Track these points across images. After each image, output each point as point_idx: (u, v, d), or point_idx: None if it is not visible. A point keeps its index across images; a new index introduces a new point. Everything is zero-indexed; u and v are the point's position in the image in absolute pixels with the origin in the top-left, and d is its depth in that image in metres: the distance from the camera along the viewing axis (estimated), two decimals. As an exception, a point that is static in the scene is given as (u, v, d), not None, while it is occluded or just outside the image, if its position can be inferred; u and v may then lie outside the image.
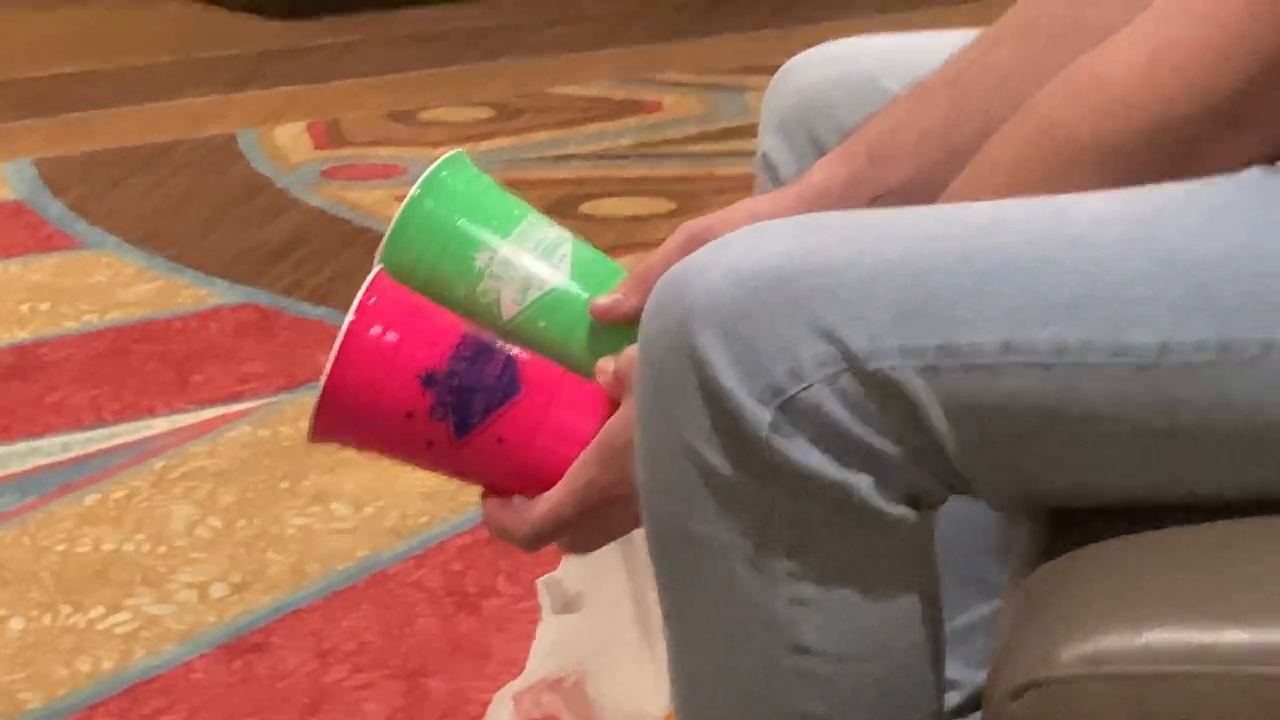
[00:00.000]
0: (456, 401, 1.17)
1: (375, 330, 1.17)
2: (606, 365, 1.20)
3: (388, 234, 1.24)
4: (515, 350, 1.20)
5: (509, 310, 1.22)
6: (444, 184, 1.27)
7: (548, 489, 1.17)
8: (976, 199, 1.11)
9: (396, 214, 1.25)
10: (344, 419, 1.18)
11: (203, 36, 4.27)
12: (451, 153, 1.27)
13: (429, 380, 1.16)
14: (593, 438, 1.17)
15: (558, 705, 1.49)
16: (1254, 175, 1.05)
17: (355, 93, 3.83)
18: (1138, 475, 1.04)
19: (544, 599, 1.49)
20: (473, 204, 1.28)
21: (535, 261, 1.25)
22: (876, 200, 1.27)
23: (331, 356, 1.15)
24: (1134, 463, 1.03)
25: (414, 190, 1.25)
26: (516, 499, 1.18)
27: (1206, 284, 1.01)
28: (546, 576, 1.48)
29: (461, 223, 1.26)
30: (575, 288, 1.24)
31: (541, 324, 1.23)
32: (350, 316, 1.14)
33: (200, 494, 2.13)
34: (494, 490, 1.20)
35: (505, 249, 1.25)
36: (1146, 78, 1.07)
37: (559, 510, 1.16)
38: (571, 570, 1.48)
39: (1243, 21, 1.04)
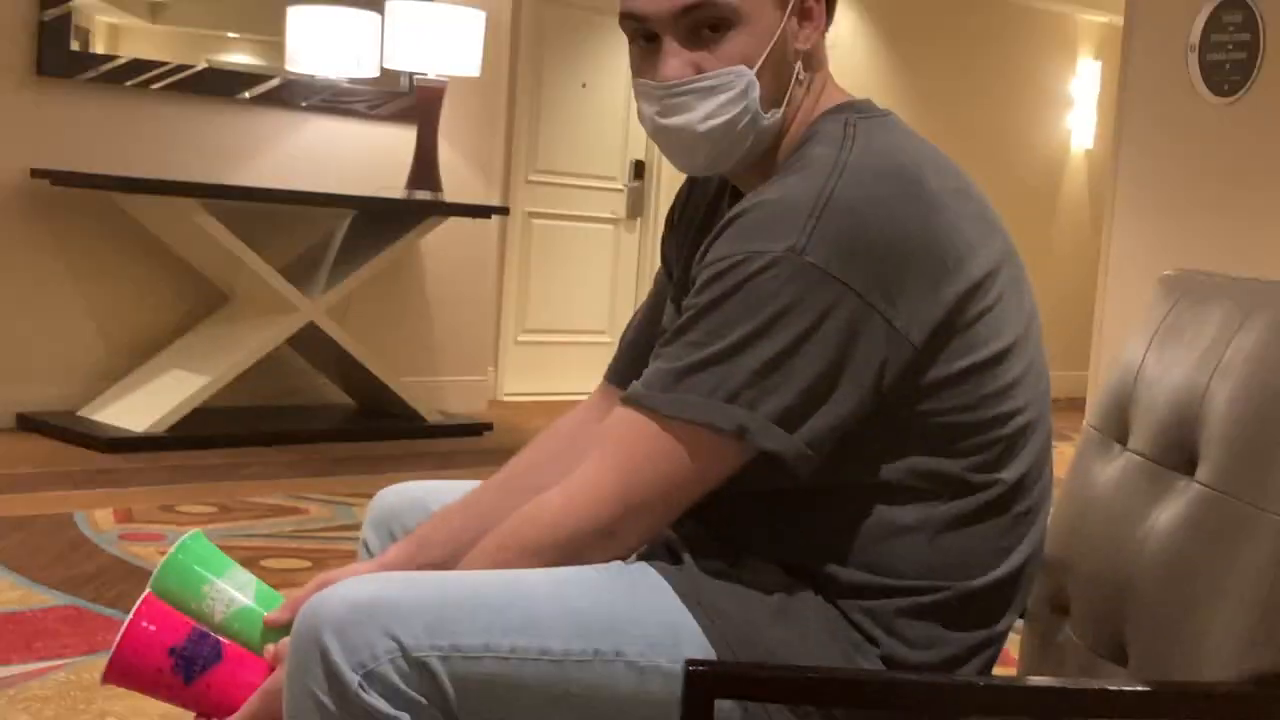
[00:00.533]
0: (185, 664, 1.46)
1: (144, 624, 1.47)
2: (270, 649, 1.47)
3: (155, 572, 1.53)
4: (223, 639, 1.50)
5: (219, 616, 1.52)
6: (188, 548, 1.57)
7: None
8: (477, 567, 1.40)
9: (161, 562, 1.53)
10: (124, 673, 1.48)
11: (59, 459, 5.10)
12: (193, 532, 1.58)
13: (172, 651, 1.46)
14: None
15: None
16: (615, 565, 1.40)
17: (142, 496, 4.50)
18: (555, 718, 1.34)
19: None
20: (203, 559, 1.56)
21: (234, 591, 1.54)
22: (423, 567, 1.53)
23: (118, 636, 1.45)
24: (550, 715, 1.34)
25: (172, 549, 1.55)
26: None
27: (587, 621, 1.34)
28: None
29: (197, 568, 1.54)
30: (255, 606, 1.53)
31: (236, 625, 1.51)
32: (130, 615, 1.45)
33: (33, 709, 2.68)
34: (207, 715, 1.48)
35: (218, 584, 1.54)
36: (561, 513, 1.38)
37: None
38: None
39: (612, 485, 1.36)
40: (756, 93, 1.43)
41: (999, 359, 1.40)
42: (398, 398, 5.96)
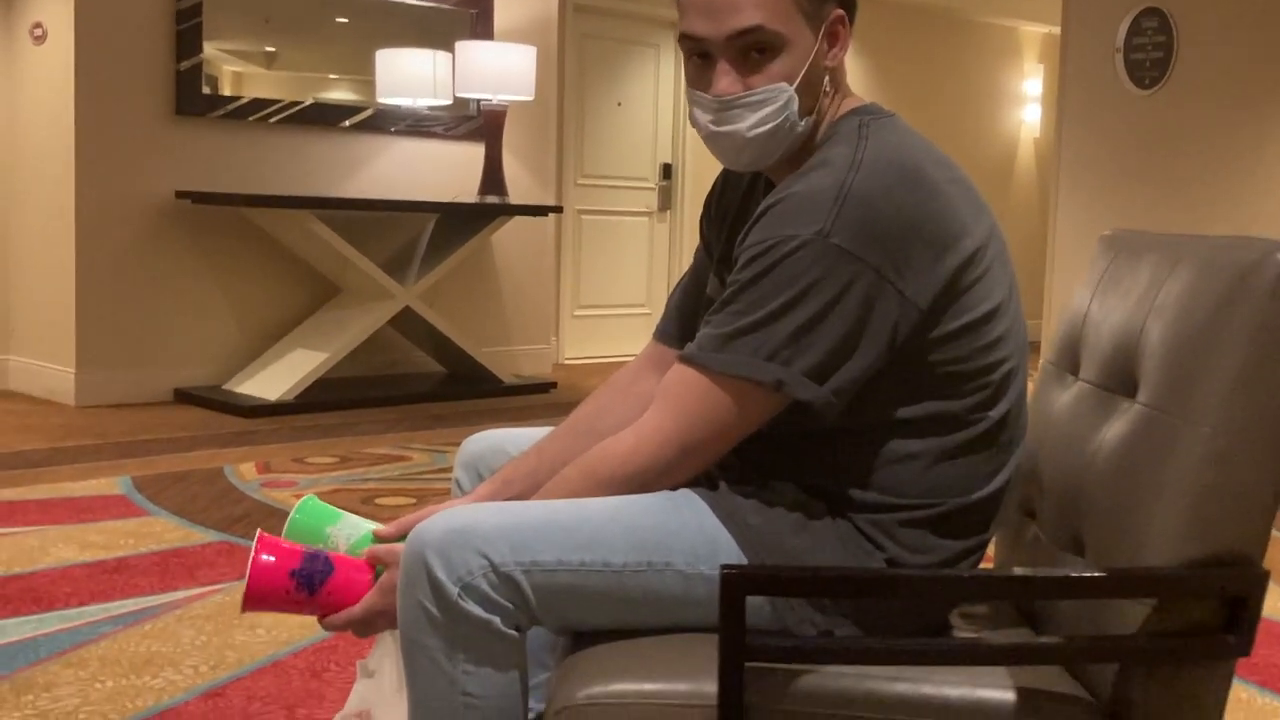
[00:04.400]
0: (306, 581, 1.46)
1: (264, 557, 1.47)
2: (366, 550, 1.50)
3: (286, 526, 1.55)
4: (332, 554, 1.50)
5: (343, 548, 1.55)
6: (306, 508, 1.58)
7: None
8: (556, 494, 1.40)
9: (289, 517, 1.55)
10: (258, 600, 1.47)
11: (210, 425, 5.07)
12: (307, 496, 1.58)
13: (292, 574, 1.46)
14: (369, 589, 1.46)
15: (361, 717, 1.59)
16: (664, 492, 1.40)
17: (278, 451, 4.52)
18: (616, 620, 1.36)
19: (359, 671, 1.61)
20: (318, 514, 1.58)
21: (349, 530, 1.56)
22: (507, 500, 1.52)
23: (245, 573, 1.46)
24: (614, 615, 1.36)
25: (293, 513, 1.57)
26: (341, 613, 1.47)
27: (642, 538, 1.35)
28: (360, 660, 1.62)
29: (314, 523, 1.57)
30: (369, 534, 1.56)
31: (358, 551, 1.53)
32: (251, 555, 1.46)
33: (197, 624, 2.75)
34: (331, 614, 1.48)
35: (333, 528, 1.56)
36: (631, 452, 1.38)
37: (354, 613, 1.46)
38: (372, 657, 1.59)
39: (672, 430, 1.36)
40: (795, 105, 1.42)
41: (988, 318, 1.39)
42: (479, 364, 5.96)
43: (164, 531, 3.48)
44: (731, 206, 1.61)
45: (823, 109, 1.46)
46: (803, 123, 1.44)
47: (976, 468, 1.41)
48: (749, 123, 1.41)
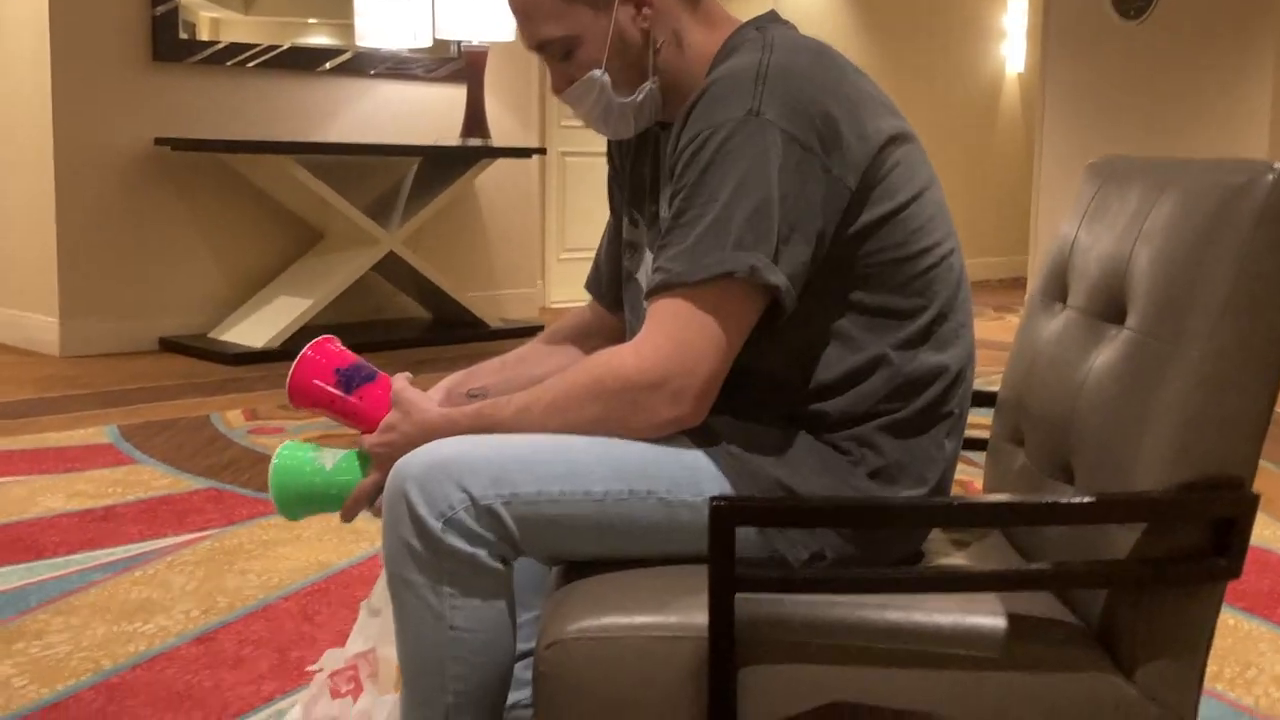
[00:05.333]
0: (346, 380, 1.51)
1: (312, 356, 1.53)
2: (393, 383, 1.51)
3: (270, 474, 1.52)
4: (375, 370, 1.53)
5: (330, 467, 1.52)
6: (285, 453, 1.54)
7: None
8: (548, 397, 1.37)
9: (271, 469, 1.52)
10: (301, 393, 1.52)
11: (196, 373, 5.08)
12: (285, 443, 1.55)
13: (336, 371, 1.51)
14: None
15: (362, 665, 1.61)
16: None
17: (264, 398, 4.51)
18: (601, 549, 1.36)
19: (362, 610, 1.63)
20: (301, 448, 1.54)
21: (333, 453, 1.53)
22: (470, 393, 1.58)
23: (295, 361, 1.52)
24: (598, 544, 1.36)
25: (274, 460, 1.53)
26: (366, 437, 1.48)
27: (623, 467, 1.34)
28: (364, 600, 1.64)
29: (299, 455, 1.53)
30: (352, 452, 1.53)
31: (344, 464, 1.51)
32: (306, 349, 1.52)
33: (187, 570, 2.75)
34: (365, 428, 1.51)
35: (317, 453, 1.53)
36: (637, 371, 1.33)
37: (371, 435, 1.47)
38: (375, 595, 1.60)
39: (672, 348, 1.32)
40: (609, 84, 1.46)
41: (914, 200, 1.39)
42: (465, 309, 5.95)
43: (152, 479, 3.48)
44: (629, 149, 1.61)
45: (668, 59, 1.47)
46: (643, 89, 1.47)
47: (934, 357, 1.41)
48: (584, 108, 1.48)
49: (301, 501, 1.49)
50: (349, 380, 1.50)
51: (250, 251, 5.71)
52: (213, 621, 2.48)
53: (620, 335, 1.63)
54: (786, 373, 1.41)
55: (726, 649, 1.22)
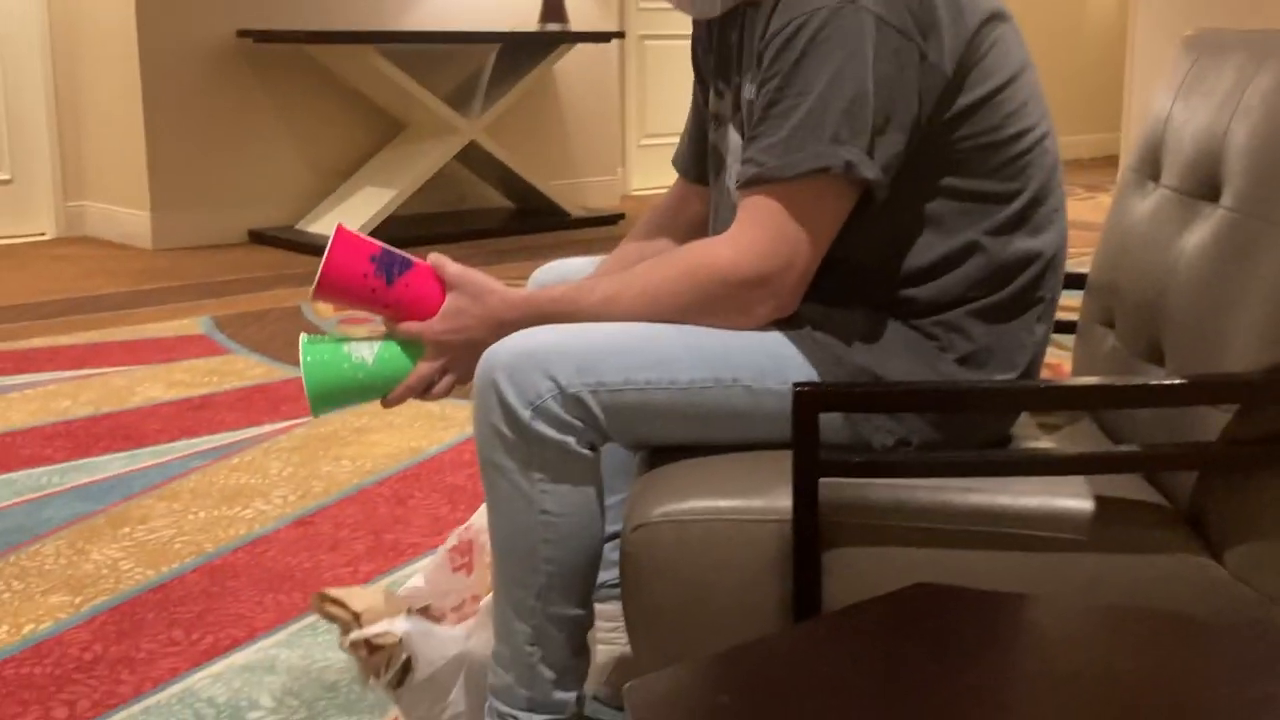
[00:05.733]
0: (385, 268, 1.41)
1: (344, 246, 1.41)
2: (442, 263, 1.44)
3: (302, 369, 1.42)
4: (408, 256, 1.44)
5: (371, 360, 1.43)
6: (310, 346, 1.44)
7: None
8: (624, 290, 1.36)
9: (302, 369, 1.42)
10: (333, 279, 1.40)
11: (286, 265, 5.17)
12: (304, 335, 1.45)
13: (373, 259, 1.42)
14: (440, 308, 1.43)
15: (476, 543, 1.66)
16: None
17: None
18: (687, 434, 1.37)
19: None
20: (329, 339, 1.44)
21: (367, 341, 1.46)
22: (582, 297, 1.43)
23: (324, 255, 1.40)
24: (684, 430, 1.37)
25: (302, 353, 1.42)
26: (411, 326, 1.43)
27: (708, 356, 1.34)
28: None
29: (330, 347, 1.44)
30: (392, 343, 1.44)
31: (385, 355, 1.44)
32: (331, 239, 1.40)
33: (283, 456, 2.82)
34: (408, 318, 1.43)
35: (349, 344, 1.44)
36: (733, 264, 1.33)
37: (433, 322, 1.42)
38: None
39: (767, 243, 1.32)
40: None
41: (1010, 82, 1.36)
42: (546, 198, 5.93)
43: (246, 369, 3.55)
44: (714, 25, 1.56)
45: None
46: None
47: (1026, 241, 1.39)
48: None
49: (339, 399, 1.43)
50: (388, 268, 1.41)
51: (334, 143, 5.73)
52: (309, 506, 2.55)
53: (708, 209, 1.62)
54: (876, 260, 1.39)
55: (810, 532, 1.23)
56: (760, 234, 1.31)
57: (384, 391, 1.44)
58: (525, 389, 1.31)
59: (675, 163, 1.70)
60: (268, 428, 3.04)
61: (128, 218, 5.50)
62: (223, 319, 4.12)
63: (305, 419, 3.10)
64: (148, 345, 3.81)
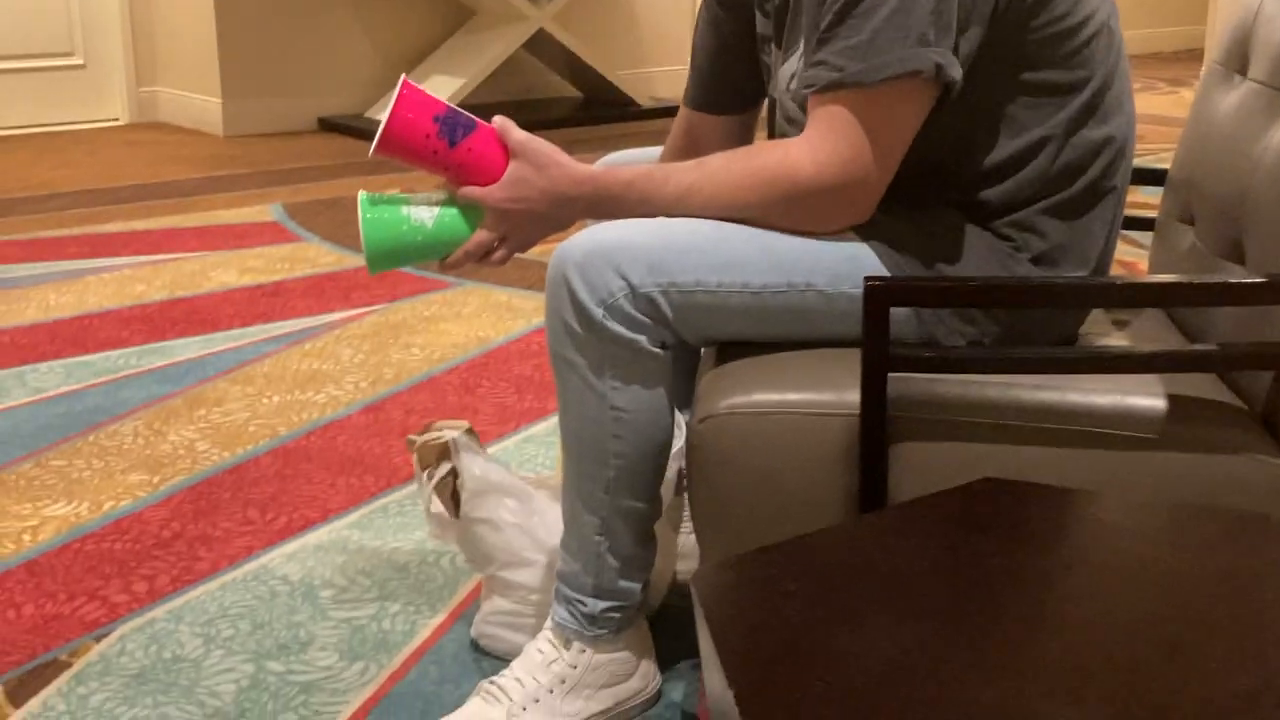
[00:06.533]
0: (448, 129, 1.38)
1: (408, 104, 1.37)
2: (506, 127, 1.40)
3: (361, 228, 1.38)
4: (473, 118, 1.40)
5: (430, 223, 1.40)
6: (370, 203, 1.40)
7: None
8: (699, 187, 1.34)
9: (361, 219, 1.39)
10: (394, 142, 1.37)
11: (355, 153, 5.18)
12: (367, 194, 1.40)
13: (436, 119, 1.38)
14: (503, 173, 1.39)
15: None
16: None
17: (422, 177, 4.42)
18: (758, 335, 1.37)
19: None
20: (384, 201, 1.40)
21: (428, 204, 1.41)
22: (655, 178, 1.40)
23: (386, 112, 1.36)
24: (755, 330, 1.37)
25: (361, 215, 1.39)
26: (474, 191, 1.39)
27: (782, 259, 1.34)
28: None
29: (389, 206, 1.40)
30: (453, 204, 1.41)
31: (447, 219, 1.40)
32: (395, 95, 1.35)
33: (354, 343, 2.86)
34: (471, 182, 1.39)
35: (409, 207, 1.40)
36: (816, 175, 1.31)
37: (494, 189, 1.38)
38: None
39: (848, 149, 1.30)
40: None
41: None
42: (615, 87, 5.87)
43: (317, 256, 3.59)
44: None
45: None
46: None
47: (1095, 131, 1.36)
48: None
49: (397, 259, 1.41)
50: (451, 129, 1.37)
51: (402, 31, 5.69)
52: (380, 392, 2.59)
53: (735, 141, 1.60)
54: (949, 161, 1.37)
55: (878, 425, 1.23)
56: (841, 143, 1.29)
57: (442, 254, 1.42)
58: (597, 286, 1.31)
59: (689, 102, 1.67)
60: (339, 315, 3.07)
61: (199, 104, 5.52)
62: (293, 206, 4.15)
63: (377, 306, 3.13)
64: (220, 231, 3.86)
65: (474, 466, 1.62)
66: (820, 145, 1.29)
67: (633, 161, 1.68)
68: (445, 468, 1.61)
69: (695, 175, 1.35)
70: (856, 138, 1.28)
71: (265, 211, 4.10)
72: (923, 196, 1.38)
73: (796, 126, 1.38)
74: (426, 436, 1.64)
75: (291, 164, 4.84)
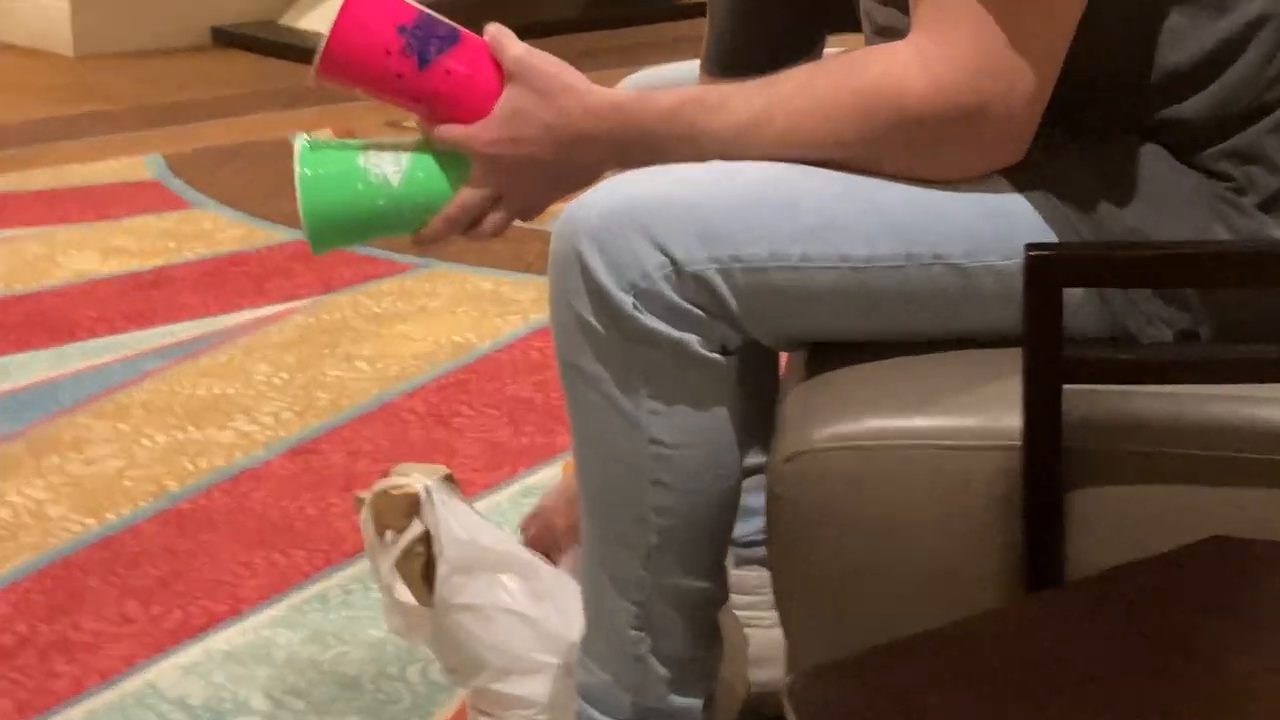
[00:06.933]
0: (419, 44, 1.38)
1: (361, 5, 1.39)
2: (501, 40, 1.42)
3: (300, 196, 1.41)
4: (455, 27, 1.42)
5: (396, 179, 1.42)
6: (310, 149, 1.44)
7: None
8: (769, 115, 1.35)
9: (298, 182, 1.42)
10: (341, 60, 1.38)
11: (265, 77, 5.17)
12: (300, 139, 1.44)
13: (401, 30, 1.38)
14: (494, 103, 1.40)
15: None
16: None
17: (364, 111, 4.21)
18: (864, 329, 1.37)
19: None
20: (334, 148, 1.46)
21: (391, 151, 1.43)
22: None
23: (333, 16, 1.37)
24: (860, 324, 1.36)
25: (297, 165, 1.42)
26: (454, 132, 1.40)
27: (897, 218, 1.33)
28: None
29: (339, 152, 1.44)
30: (427, 150, 1.43)
31: (420, 174, 1.42)
32: None
33: (272, 357, 2.85)
34: (450, 116, 1.41)
35: (370, 153, 1.42)
36: (932, 92, 1.30)
37: (482, 127, 1.40)
38: None
39: (977, 59, 1.29)
40: None
41: None
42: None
43: (216, 230, 3.59)
44: None
45: None
46: None
47: None
48: None
49: (351, 232, 1.45)
50: (423, 43, 1.39)
51: (333, -103, 5.72)
52: (312, 426, 2.58)
53: None
54: (1122, 65, 1.37)
55: (1050, 462, 1.22)
56: (967, 46, 1.28)
57: (414, 224, 1.43)
58: (625, 264, 1.30)
59: (707, 62, 1.72)
60: (249, 314, 3.07)
61: (38, 12, 5.55)
62: (179, 158, 4.16)
63: (305, 300, 3.14)
64: (75, 195, 3.87)
65: (455, 527, 1.62)
66: (936, 50, 1.29)
67: (671, 82, 1.68)
68: (413, 531, 1.62)
69: (764, 99, 1.36)
70: (988, 36, 1.27)
71: (138, 166, 4.11)
72: (1091, 121, 1.38)
73: (893, 37, 1.38)
74: (386, 484, 1.65)
75: (175, 96, 4.85)
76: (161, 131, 4.45)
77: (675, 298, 1.31)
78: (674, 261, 1.30)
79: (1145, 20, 1.35)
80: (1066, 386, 1.22)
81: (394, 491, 1.64)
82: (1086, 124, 1.38)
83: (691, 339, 1.32)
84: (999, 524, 1.25)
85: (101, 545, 2.24)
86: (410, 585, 1.62)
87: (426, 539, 1.62)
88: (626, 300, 1.30)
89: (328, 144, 1.41)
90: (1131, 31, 1.35)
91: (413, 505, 1.63)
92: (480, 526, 1.66)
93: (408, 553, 1.62)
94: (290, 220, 3.53)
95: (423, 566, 1.62)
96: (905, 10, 1.34)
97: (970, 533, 1.26)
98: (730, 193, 1.33)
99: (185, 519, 2.30)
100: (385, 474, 1.69)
